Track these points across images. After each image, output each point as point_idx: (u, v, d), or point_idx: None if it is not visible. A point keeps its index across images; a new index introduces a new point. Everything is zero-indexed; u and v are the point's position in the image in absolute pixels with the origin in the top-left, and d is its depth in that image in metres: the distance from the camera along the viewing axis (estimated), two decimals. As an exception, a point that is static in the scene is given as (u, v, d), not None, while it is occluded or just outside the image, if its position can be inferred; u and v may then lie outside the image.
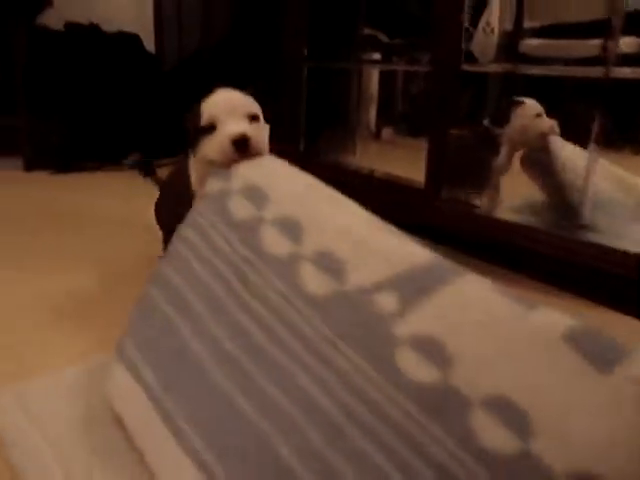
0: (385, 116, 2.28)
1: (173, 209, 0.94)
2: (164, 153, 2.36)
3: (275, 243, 0.68)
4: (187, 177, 0.93)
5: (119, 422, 0.67)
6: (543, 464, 0.45)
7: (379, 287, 0.58)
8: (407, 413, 0.51)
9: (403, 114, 2.22)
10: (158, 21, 2.61)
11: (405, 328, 0.54)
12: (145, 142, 2.28)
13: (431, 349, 0.52)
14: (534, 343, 0.49)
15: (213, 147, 0.80)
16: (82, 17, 2.23)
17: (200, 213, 0.78)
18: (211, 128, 0.81)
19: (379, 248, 0.61)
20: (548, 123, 1.34)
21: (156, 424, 0.61)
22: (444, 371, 0.51)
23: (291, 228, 0.68)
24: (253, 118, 0.83)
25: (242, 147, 0.78)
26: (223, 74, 2.35)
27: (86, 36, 2.15)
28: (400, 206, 1.45)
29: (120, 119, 2.21)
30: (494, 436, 0.47)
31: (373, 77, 2.37)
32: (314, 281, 0.62)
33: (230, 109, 0.81)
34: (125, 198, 1.82)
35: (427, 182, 1.38)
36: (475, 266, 0.57)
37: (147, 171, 2.04)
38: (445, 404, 0.50)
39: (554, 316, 0.50)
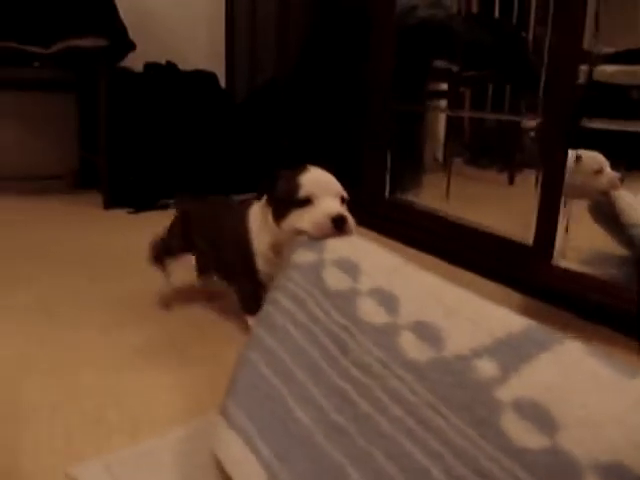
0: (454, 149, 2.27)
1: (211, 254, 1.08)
2: (236, 189, 2.40)
3: (372, 312, 0.69)
4: (243, 230, 0.98)
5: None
6: None
7: (477, 353, 0.59)
8: (517, 478, 0.50)
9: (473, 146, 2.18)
10: (230, 56, 2.67)
11: (508, 393, 0.54)
12: (219, 179, 2.32)
13: (536, 414, 0.52)
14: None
15: (310, 221, 0.84)
16: (159, 56, 2.31)
17: (293, 280, 0.79)
18: (306, 202, 0.86)
19: (472, 316, 0.64)
20: (608, 178, 1.25)
21: None
22: (552, 436, 0.50)
23: (386, 299, 0.70)
24: (342, 200, 0.90)
25: (340, 225, 0.83)
26: (295, 105, 2.38)
27: (164, 76, 2.22)
28: (501, 262, 1.41)
29: (197, 156, 2.26)
30: None
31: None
32: (413, 348, 0.64)
33: (327, 188, 0.88)
34: None
35: (536, 241, 1.32)
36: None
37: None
38: (556, 469, 0.49)
39: None
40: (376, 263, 0.76)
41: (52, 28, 1.82)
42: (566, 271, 1.21)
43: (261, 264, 0.98)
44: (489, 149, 2.26)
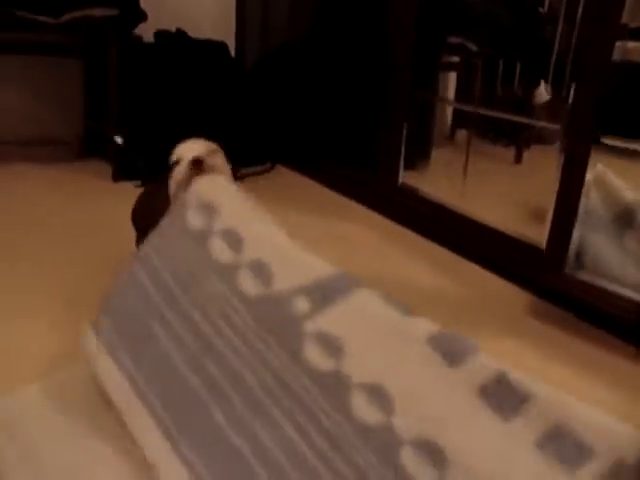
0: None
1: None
2: (250, 161, 2.40)
3: (220, 251, 0.86)
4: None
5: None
6: (399, 434, 0.63)
7: (296, 292, 0.78)
8: (307, 389, 0.70)
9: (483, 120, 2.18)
10: (241, 21, 2.61)
11: (313, 326, 0.75)
12: (232, 150, 2.30)
13: (329, 343, 0.73)
14: (404, 342, 0.71)
15: (179, 171, 1.05)
16: (168, 23, 2.25)
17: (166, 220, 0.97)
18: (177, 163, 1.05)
19: (297, 261, 0.84)
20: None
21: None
22: (337, 361, 0.71)
23: (234, 240, 0.87)
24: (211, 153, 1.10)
25: (197, 166, 1.03)
26: (307, 71, 2.35)
27: (175, 45, 2.17)
28: (513, 264, 1.42)
29: (208, 127, 2.24)
30: (367, 412, 0.66)
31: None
32: (248, 284, 0.82)
33: (194, 148, 1.09)
34: None
35: (550, 246, 1.28)
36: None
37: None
38: (335, 383, 0.70)
39: (422, 322, 0.72)
40: (232, 207, 0.94)
41: (63, -3, 1.77)
42: (579, 281, 1.20)
43: None
44: (497, 124, 2.25)
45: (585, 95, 1.19)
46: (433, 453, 0.63)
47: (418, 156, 2.06)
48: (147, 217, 1.19)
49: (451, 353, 0.69)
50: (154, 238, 0.94)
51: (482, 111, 2.07)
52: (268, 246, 0.86)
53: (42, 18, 1.76)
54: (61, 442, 0.76)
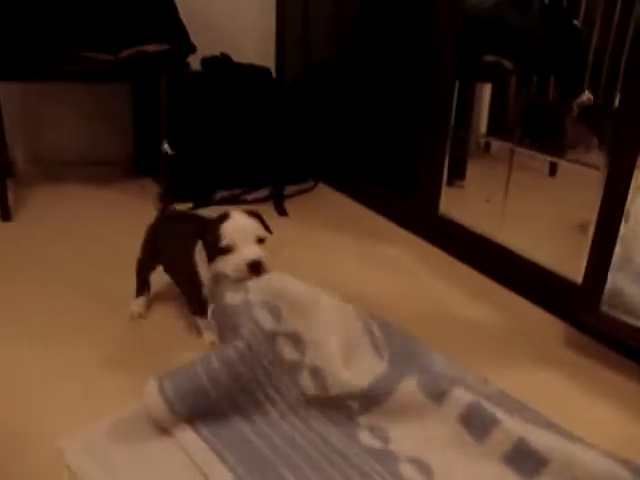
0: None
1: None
2: (292, 179, 2.49)
3: (286, 351, 1.01)
4: (192, 265, 1.15)
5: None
6: None
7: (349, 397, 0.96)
8: (363, 459, 0.88)
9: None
10: (281, 43, 2.70)
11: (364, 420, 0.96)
12: (275, 169, 2.41)
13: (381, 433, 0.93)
14: (438, 424, 0.89)
15: (231, 267, 1.05)
16: (211, 46, 2.35)
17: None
18: (228, 249, 1.05)
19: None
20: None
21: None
22: (386, 444, 0.90)
23: (296, 340, 1.01)
24: (260, 240, 1.08)
25: (256, 269, 1.04)
26: (347, 89, 2.41)
27: (220, 71, 2.27)
28: (550, 295, 1.47)
29: (252, 147, 2.35)
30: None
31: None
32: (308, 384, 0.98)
33: (245, 236, 1.06)
34: None
35: (585, 281, 1.29)
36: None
37: (280, 208, 2.16)
38: (386, 457, 0.88)
39: (451, 404, 0.90)
40: (293, 308, 1.02)
41: (119, 36, 1.88)
42: (614, 319, 1.22)
43: (205, 289, 1.15)
44: (534, 130, 2.27)
45: (632, 104, 1.17)
46: None
47: (454, 175, 2.11)
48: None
49: (478, 429, 0.86)
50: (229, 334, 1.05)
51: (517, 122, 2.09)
52: (324, 353, 0.98)
53: (101, 56, 1.88)
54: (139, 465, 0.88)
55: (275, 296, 1.03)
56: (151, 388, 0.93)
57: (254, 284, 1.05)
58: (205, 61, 2.30)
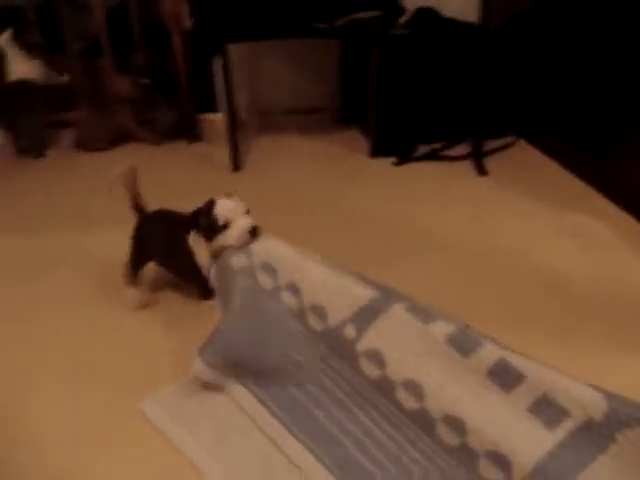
0: None
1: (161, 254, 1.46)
2: (493, 133, 2.49)
3: (288, 301, 1.21)
4: (188, 252, 1.35)
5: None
6: (430, 413, 1.01)
7: (344, 323, 1.13)
8: (366, 389, 1.10)
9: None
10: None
11: (361, 346, 1.10)
12: (474, 121, 2.43)
13: (376, 357, 1.08)
14: (428, 345, 1.04)
15: (234, 238, 1.26)
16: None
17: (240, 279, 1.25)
18: (225, 226, 1.25)
19: (341, 296, 1.16)
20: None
21: None
22: (382, 369, 1.07)
23: (295, 290, 1.21)
24: (247, 211, 1.29)
25: (254, 234, 1.26)
26: (557, 37, 2.30)
27: (426, 24, 2.31)
28: None
29: (455, 99, 2.39)
30: (406, 399, 1.04)
31: None
32: (313, 323, 1.18)
33: (236, 212, 1.27)
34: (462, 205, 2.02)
35: None
36: None
37: (480, 167, 2.21)
38: (383, 385, 1.07)
39: (439, 327, 1.04)
40: (285, 263, 1.23)
41: (336, 6, 2.04)
42: None
43: (205, 269, 1.34)
44: None
45: None
46: (457, 425, 0.97)
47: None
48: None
49: (464, 349, 1.01)
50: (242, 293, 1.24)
51: None
52: (319, 289, 1.18)
53: (320, 25, 2.06)
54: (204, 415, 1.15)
55: (270, 256, 1.25)
56: (195, 359, 1.16)
57: (255, 247, 1.26)
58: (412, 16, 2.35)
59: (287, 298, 1.21)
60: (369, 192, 2.12)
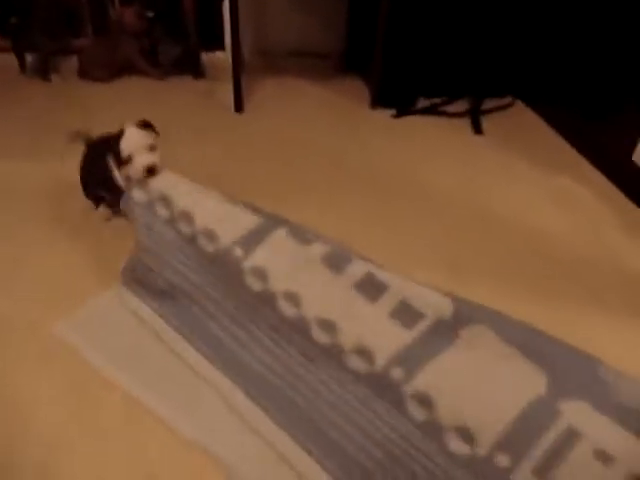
0: None
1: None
2: (491, 92, 2.51)
3: (183, 227, 1.35)
4: (111, 175, 1.46)
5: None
6: (307, 317, 1.18)
7: (234, 244, 1.27)
8: (250, 301, 1.24)
9: None
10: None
11: (248, 264, 1.25)
12: (472, 79, 2.45)
13: (261, 274, 1.23)
14: (306, 263, 1.24)
15: (133, 172, 1.38)
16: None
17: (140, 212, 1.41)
18: (129, 159, 1.37)
19: (231, 219, 1.33)
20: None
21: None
22: (265, 284, 1.22)
23: (188, 217, 1.34)
24: (152, 148, 1.39)
25: (151, 172, 1.38)
26: None
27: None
28: None
29: (462, 56, 2.39)
30: (286, 307, 1.19)
31: None
32: (205, 244, 1.31)
33: (139, 147, 1.37)
34: (458, 164, 2.07)
35: None
36: None
37: (476, 126, 2.26)
38: (266, 296, 1.22)
39: (315, 248, 1.25)
40: (180, 195, 1.38)
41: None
42: None
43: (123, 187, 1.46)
44: None
45: None
46: (328, 325, 1.14)
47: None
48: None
49: (336, 265, 1.22)
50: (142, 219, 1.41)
51: None
52: (210, 214, 1.34)
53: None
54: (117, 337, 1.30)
55: (168, 190, 1.39)
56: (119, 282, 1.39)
57: (153, 183, 1.40)
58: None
59: (183, 227, 1.35)
60: (367, 145, 2.16)
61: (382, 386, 1.08)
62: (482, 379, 1.03)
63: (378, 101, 2.43)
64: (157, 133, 1.44)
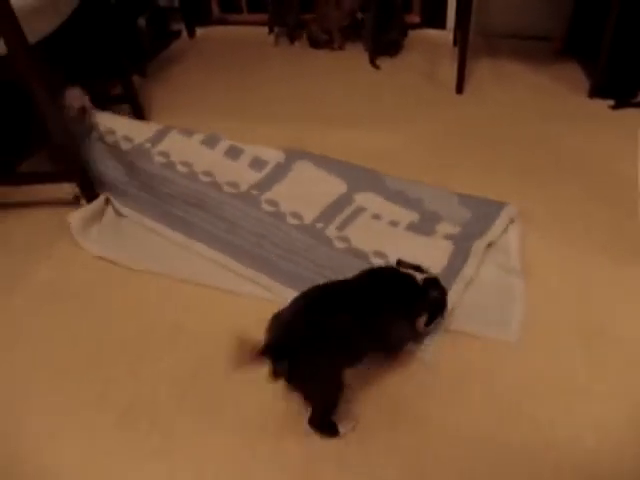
0: None
1: None
2: None
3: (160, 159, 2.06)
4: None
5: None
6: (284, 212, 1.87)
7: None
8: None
9: None
10: None
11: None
12: None
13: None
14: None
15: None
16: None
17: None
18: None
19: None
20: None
21: None
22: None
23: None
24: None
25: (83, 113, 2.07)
26: None
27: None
28: None
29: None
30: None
31: None
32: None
33: (74, 97, 2.06)
34: None
35: None
36: None
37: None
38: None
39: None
40: (124, 127, 2.14)
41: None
42: None
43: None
44: None
45: None
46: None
47: None
48: None
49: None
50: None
51: None
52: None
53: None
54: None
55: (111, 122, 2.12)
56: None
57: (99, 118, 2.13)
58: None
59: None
60: (581, 134, 2.19)
61: (249, 201, 1.86)
62: (306, 188, 1.88)
63: (598, 90, 2.42)
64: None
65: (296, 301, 1.17)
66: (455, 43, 2.93)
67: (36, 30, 1.66)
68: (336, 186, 1.88)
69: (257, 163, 1.97)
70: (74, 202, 1.89)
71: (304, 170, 1.95)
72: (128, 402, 1.31)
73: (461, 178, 1.93)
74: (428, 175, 1.93)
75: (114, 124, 2.12)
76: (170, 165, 1.98)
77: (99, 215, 1.84)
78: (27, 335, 1.50)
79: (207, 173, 1.95)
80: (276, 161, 1.97)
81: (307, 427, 1.20)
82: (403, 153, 2.11)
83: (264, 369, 1.06)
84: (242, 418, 1.26)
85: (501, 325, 1.42)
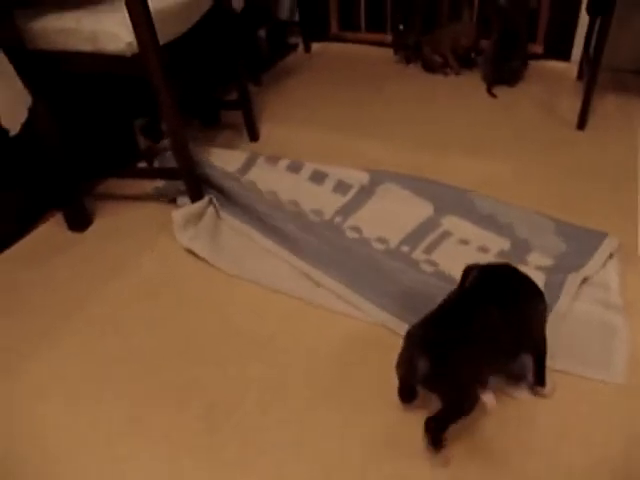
0: None
1: None
2: None
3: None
4: None
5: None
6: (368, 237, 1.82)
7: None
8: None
9: None
10: None
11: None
12: None
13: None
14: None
15: None
16: None
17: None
18: None
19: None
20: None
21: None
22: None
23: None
24: None
25: None
26: None
27: None
28: None
29: None
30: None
31: None
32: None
33: None
34: None
35: None
36: None
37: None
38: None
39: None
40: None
41: None
42: None
43: None
44: None
45: None
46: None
47: None
48: None
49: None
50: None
51: None
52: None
53: None
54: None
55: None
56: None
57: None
58: None
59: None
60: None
61: (332, 229, 1.82)
62: (390, 210, 1.86)
63: None
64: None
65: (432, 314, 1.16)
66: (579, 76, 2.77)
67: (167, 33, 1.72)
68: (423, 208, 1.84)
69: (341, 187, 1.97)
70: (168, 201, 1.98)
71: (388, 191, 1.92)
72: (210, 403, 1.30)
73: (569, 213, 1.82)
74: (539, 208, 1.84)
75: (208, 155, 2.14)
76: (260, 197, 1.96)
77: (200, 215, 1.87)
78: (120, 325, 1.54)
79: (293, 202, 1.93)
80: (360, 184, 1.95)
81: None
82: (514, 184, 2.02)
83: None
84: (322, 437, 1.22)
85: (603, 366, 1.30)
